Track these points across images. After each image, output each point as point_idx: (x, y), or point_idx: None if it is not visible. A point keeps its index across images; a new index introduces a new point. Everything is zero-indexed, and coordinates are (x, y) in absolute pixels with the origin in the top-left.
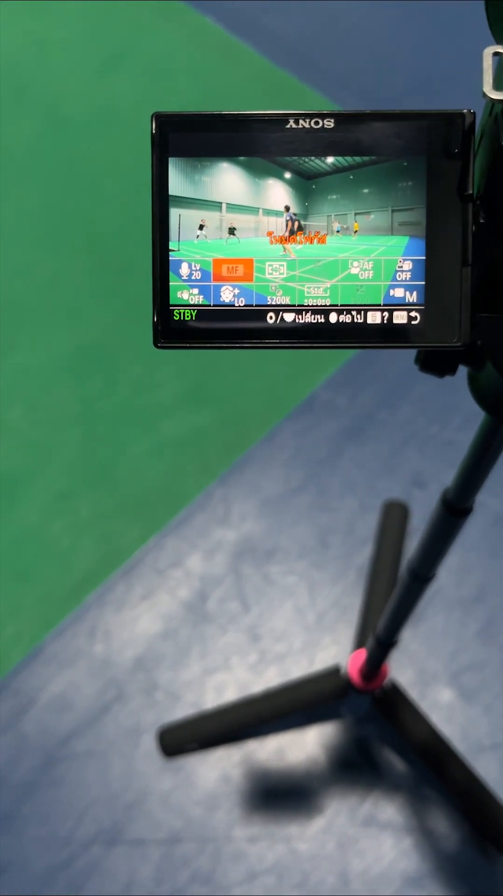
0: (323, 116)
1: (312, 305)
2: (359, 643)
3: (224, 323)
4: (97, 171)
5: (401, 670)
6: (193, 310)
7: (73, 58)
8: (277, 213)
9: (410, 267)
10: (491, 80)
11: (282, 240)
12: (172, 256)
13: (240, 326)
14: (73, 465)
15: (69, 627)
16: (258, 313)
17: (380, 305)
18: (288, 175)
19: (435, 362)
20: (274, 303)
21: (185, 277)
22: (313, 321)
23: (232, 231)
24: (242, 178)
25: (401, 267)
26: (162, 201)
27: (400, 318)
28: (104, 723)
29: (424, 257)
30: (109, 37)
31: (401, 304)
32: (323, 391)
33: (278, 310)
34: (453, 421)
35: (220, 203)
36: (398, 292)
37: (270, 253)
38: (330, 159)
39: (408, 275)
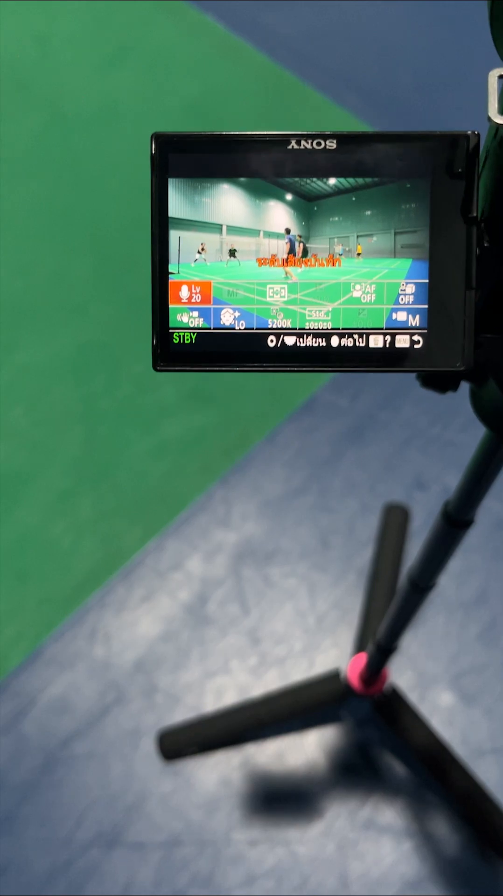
0: (325, 137)
1: (314, 329)
2: (360, 647)
3: (224, 346)
4: (99, 167)
5: (400, 673)
6: (193, 333)
7: (75, 54)
8: (278, 236)
9: (413, 290)
10: (496, 104)
11: (284, 262)
12: (172, 279)
13: (240, 350)
14: (74, 465)
15: (69, 629)
16: (259, 337)
17: (382, 329)
18: (289, 197)
19: (436, 379)
20: (275, 326)
21: (184, 300)
22: (314, 345)
23: (232, 253)
24: (243, 200)
25: (404, 290)
26: (162, 223)
27: (402, 342)
28: (104, 725)
29: (427, 280)
30: (111, 34)
31: (404, 328)
32: (324, 392)
33: (279, 333)
34: (455, 422)
35: (221, 225)
36: (401, 316)
37: (271, 276)
38: (332, 181)
39: (411, 298)
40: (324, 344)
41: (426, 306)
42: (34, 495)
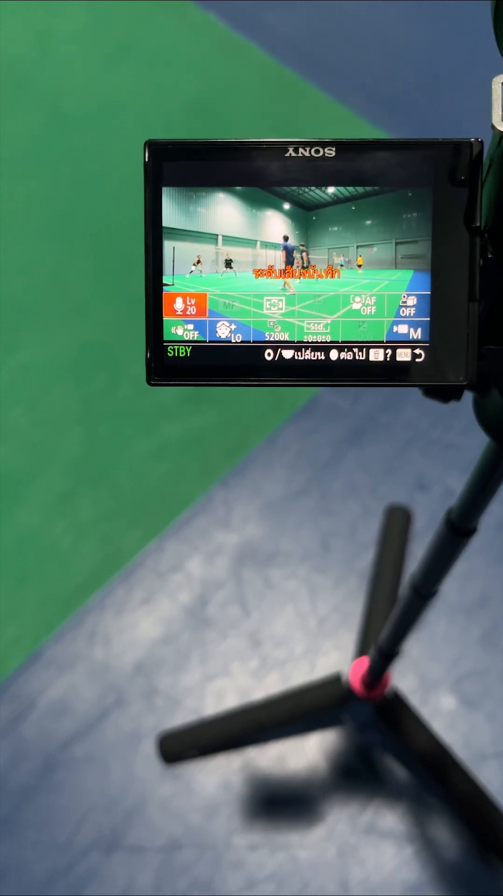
0: (324, 145)
1: (312, 342)
2: (361, 650)
3: (220, 360)
4: (100, 166)
5: (402, 677)
6: (188, 346)
7: (76, 53)
8: (275, 246)
9: (415, 302)
10: (500, 111)
11: (282, 273)
12: (166, 290)
13: (237, 364)
14: (74, 465)
15: (69, 631)
16: (256, 350)
17: (382, 342)
18: (287, 206)
19: (439, 390)
20: (272, 339)
21: (179, 312)
22: (313, 358)
23: (228, 264)
24: (239, 210)
25: (405, 302)
26: (155, 233)
27: (403, 355)
28: (104, 728)
29: (429, 292)
30: (112, 32)
31: (405, 341)
32: (325, 393)
33: (277, 346)
34: (457, 424)
35: (217, 235)
36: (402, 329)
37: (268, 287)
38: (331, 189)
39: (413, 310)
40: (322, 357)
41: (428, 319)
42: (34, 496)
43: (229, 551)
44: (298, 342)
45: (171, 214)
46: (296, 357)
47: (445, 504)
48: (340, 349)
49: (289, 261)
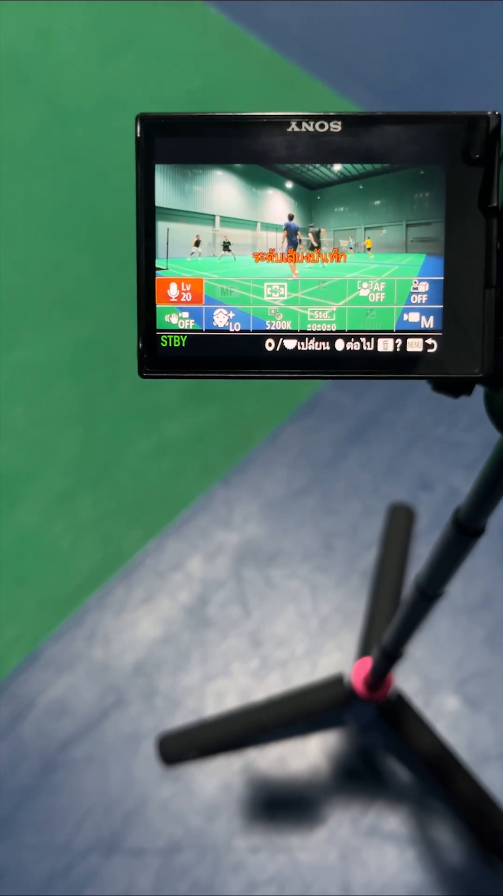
0: (329, 119)
1: (316, 331)
2: (364, 651)
3: (217, 350)
4: (100, 161)
5: (405, 677)
6: (183, 335)
7: (76, 47)
8: (277, 228)
9: (426, 288)
10: None
11: (284, 257)
12: (159, 275)
13: (235, 355)
14: (74, 464)
15: (68, 631)
16: (256, 340)
17: (392, 332)
18: (289, 185)
19: (450, 384)
20: (273, 328)
21: (173, 299)
22: (317, 349)
23: (226, 247)
24: (238, 188)
25: (417, 288)
26: (148, 213)
27: (414, 345)
28: (103, 728)
29: (442, 278)
30: (112, 26)
31: (417, 331)
32: (327, 391)
33: (278, 336)
34: (460, 421)
35: (213, 216)
36: (413, 317)
37: (269, 272)
38: (337, 167)
39: (425, 297)
40: (327, 348)
41: (441, 306)
42: (33, 495)
43: (230, 551)
44: (301, 331)
45: (165, 193)
46: (299, 347)
47: (449, 503)
48: (346, 339)
49: (293, 243)
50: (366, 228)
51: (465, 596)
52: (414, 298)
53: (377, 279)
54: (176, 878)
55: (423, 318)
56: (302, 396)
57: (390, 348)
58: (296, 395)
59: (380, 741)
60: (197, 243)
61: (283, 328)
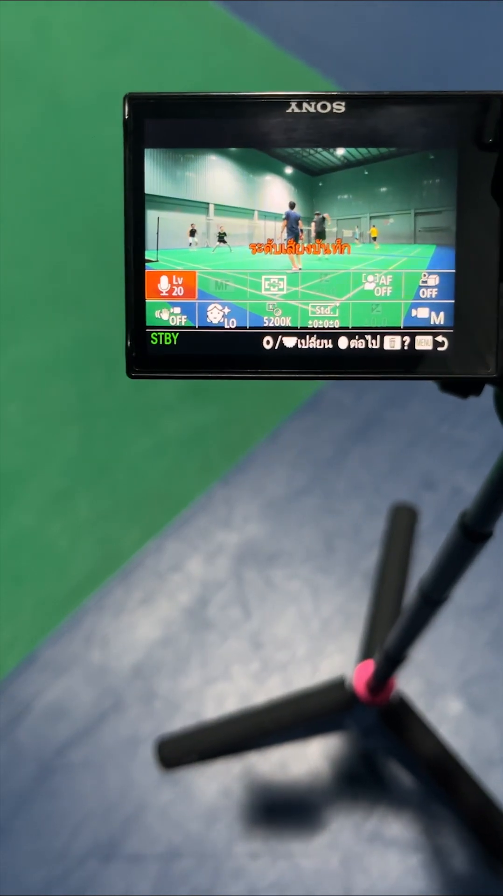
0: (332, 99)
1: (318, 328)
2: (366, 653)
3: (212, 349)
4: (99, 156)
5: (408, 680)
6: (175, 333)
7: (75, 40)
8: (276, 217)
9: (436, 282)
10: None
11: (283, 248)
12: (149, 268)
13: (231, 353)
14: (72, 463)
15: (66, 632)
16: (253, 337)
17: (399, 328)
18: (289, 170)
19: (459, 383)
20: (272, 324)
21: (164, 293)
22: (319, 347)
23: (221, 238)
24: (234, 174)
25: (426, 282)
26: (136, 201)
27: (424, 343)
28: (101, 732)
29: (454, 270)
30: (111, 19)
31: (426, 327)
32: (329, 389)
33: (277, 333)
34: (464, 419)
35: (207, 204)
36: (422, 313)
37: (268, 264)
38: (340, 151)
39: (434, 291)
40: (330, 346)
41: (452, 301)
42: (30, 495)
43: (230, 551)
44: (302, 328)
45: (155, 180)
46: (299, 345)
47: (452, 502)
48: (350, 336)
49: (293, 233)
50: (371, 217)
51: (469, 598)
52: (423, 293)
53: (383, 272)
54: (175, 884)
55: (433, 313)
56: (303, 394)
57: (397, 346)
58: (297, 393)
59: (383, 745)
60: (192, 233)
61: (283, 325)
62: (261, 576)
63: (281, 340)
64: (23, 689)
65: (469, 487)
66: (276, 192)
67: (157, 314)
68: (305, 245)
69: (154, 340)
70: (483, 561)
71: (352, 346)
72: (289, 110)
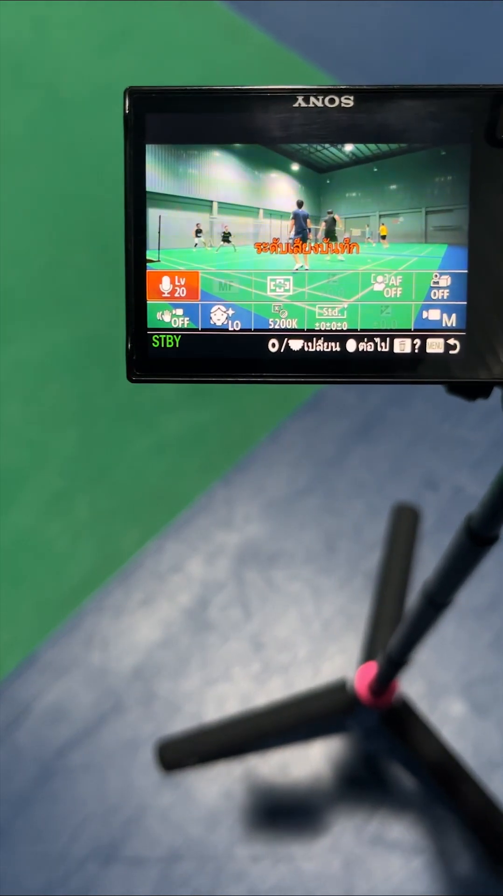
0: (340, 93)
1: (325, 330)
2: (367, 655)
3: (215, 352)
4: (98, 152)
5: (410, 682)
6: (177, 335)
7: (73, 36)
8: (282, 215)
9: (448, 283)
10: None
11: (289, 247)
12: (150, 268)
13: (235, 357)
14: (70, 464)
15: (65, 634)
16: (258, 340)
17: (410, 331)
18: (295, 167)
19: (467, 385)
20: (277, 326)
21: (166, 294)
22: (326, 350)
23: (225, 237)
24: (238, 171)
25: (438, 283)
26: (137, 199)
27: (435, 346)
28: (101, 734)
29: (466, 271)
30: (111, 14)
31: (437, 330)
32: (331, 388)
33: (283, 335)
34: (467, 419)
35: (211, 202)
36: (433, 315)
37: (273, 264)
38: (348, 147)
39: (446, 293)
40: (338, 349)
41: (464, 303)
42: (28, 495)
43: (231, 551)
44: (309, 330)
45: (157, 177)
46: (305, 348)
47: (455, 502)
48: (359, 339)
49: (301, 232)
50: (381, 216)
51: (471, 599)
52: (434, 294)
53: (393, 272)
54: (176, 887)
55: (445, 315)
56: (304, 393)
57: (408, 349)
58: (298, 393)
59: (385, 747)
60: (198, 232)
61: (289, 327)
62: (261, 576)
63: (287, 343)
64: (22, 691)
65: (471, 487)
66: (282, 190)
67: (158, 316)
68: (312, 244)
69: (155, 343)
70: (486, 562)
71: (360, 350)
72: (296, 105)
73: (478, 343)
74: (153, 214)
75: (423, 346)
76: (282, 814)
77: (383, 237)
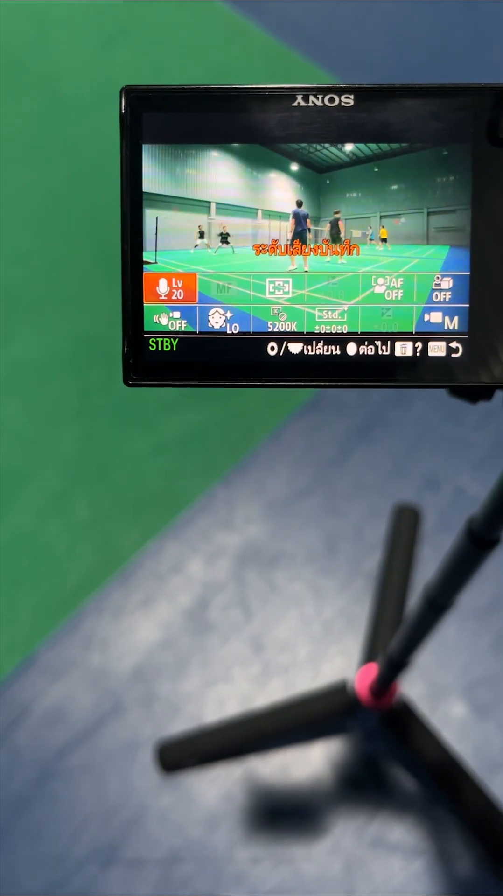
0: (340, 92)
1: (325, 333)
2: (368, 656)
3: (213, 356)
4: (98, 151)
5: (411, 684)
6: (174, 338)
7: (74, 34)
8: (281, 216)
9: (450, 285)
10: None
11: (288, 249)
12: (147, 270)
13: (233, 360)
14: (70, 463)
15: (64, 635)
16: (256, 343)
17: (411, 334)
18: (295, 167)
19: (470, 388)
20: (276, 329)
21: (163, 297)
22: (326, 353)
23: (224, 238)
24: (237, 171)
25: (440, 285)
26: (134, 200)
27: (437, 349)
28: (100, 736)
29: (468, 273)
30: (111, 12)
31: (439, 333)
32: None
33: (282, 338)
34: (469, 419)
35: (209, 203)
36: (435, 317)
37: (272, 266)
38: (349, 147)
39: (448, 295)
40: (338, 352)
41: (467, 305)
42: (28, 495)
43: (231, 552)
44: (308, 333)
45: (154, 177)
46: (305, 351)
47: (456, 503)
48: (359, 342)
49: (300, 233)
50: (381, 217)
51: (472, 600)
52: (436, 296)
53: (394, 274)
54: (175, 889)
55: (447, 318)
56: (305, 393)
57: (409, 353)
58: (299, 393)
59: (385, 749)
60: (201, 234)
61: (288, 330)
62: (262, 577)
63: (286, 346)
64: (21, 692)
65: (473, 488)
66: (281, 190)
67: (155, 319)
68: (312, 246)
69: (152, 346)
70: (487, 563)
71: (361, 353)
72: (295, 104)
73: (480, 346)
74: (150, 215)
75: (425, 349)
76: (283, 815)
77: (384, 239)
